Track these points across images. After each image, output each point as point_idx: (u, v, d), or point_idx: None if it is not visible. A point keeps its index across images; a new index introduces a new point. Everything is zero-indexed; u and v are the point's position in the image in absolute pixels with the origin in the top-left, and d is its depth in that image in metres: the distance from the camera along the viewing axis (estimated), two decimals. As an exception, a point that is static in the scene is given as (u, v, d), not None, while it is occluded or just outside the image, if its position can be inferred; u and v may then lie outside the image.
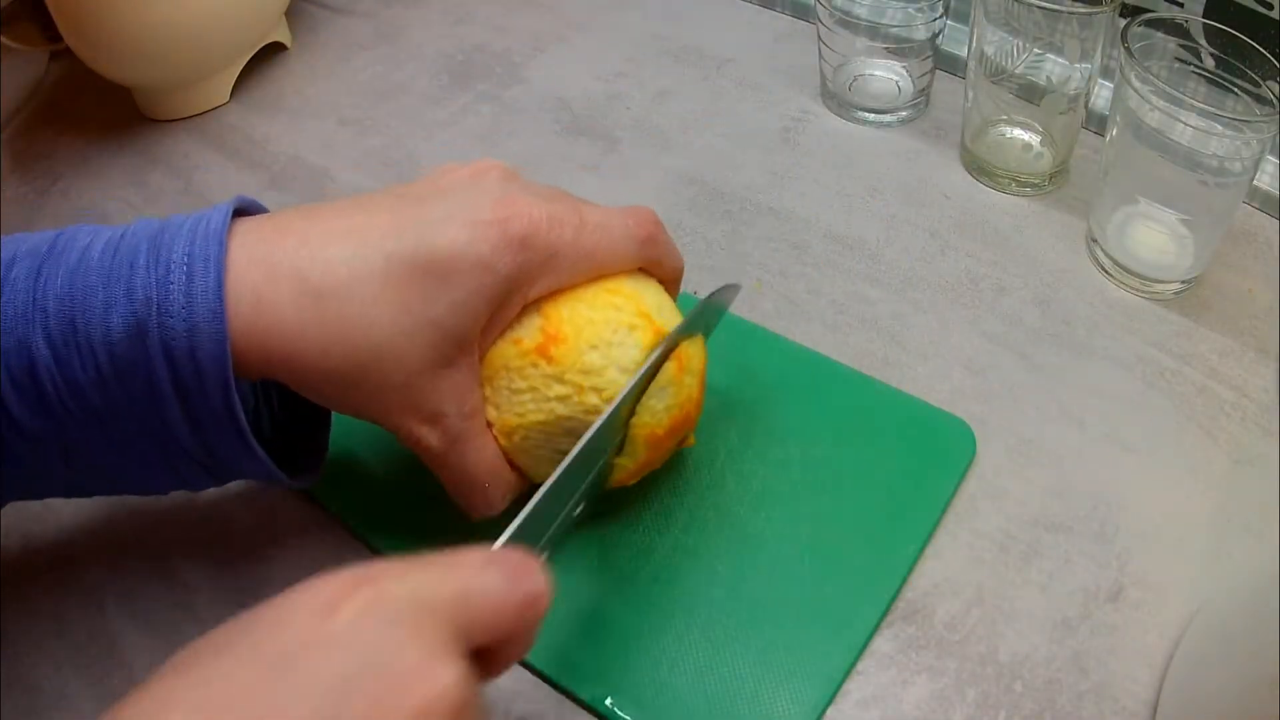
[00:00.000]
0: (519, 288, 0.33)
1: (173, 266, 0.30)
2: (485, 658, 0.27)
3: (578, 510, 0.35)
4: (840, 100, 0.61)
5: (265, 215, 0.33)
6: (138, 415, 0.31)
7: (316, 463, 0.39)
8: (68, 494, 0.36)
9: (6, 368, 0.30)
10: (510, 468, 0.37)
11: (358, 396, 0.32)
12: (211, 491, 0.44)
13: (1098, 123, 0.56)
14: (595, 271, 0.35)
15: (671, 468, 0.42)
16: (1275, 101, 0.43)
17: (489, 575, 0.26)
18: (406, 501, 0.42)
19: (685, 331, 0.37)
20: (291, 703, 0.21)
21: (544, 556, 0.31)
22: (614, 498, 0.41)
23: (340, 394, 0.33)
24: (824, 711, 0.36)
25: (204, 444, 0.32)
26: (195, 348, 0.30)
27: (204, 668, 0.22)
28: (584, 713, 0.37)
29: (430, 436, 0.33)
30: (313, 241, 0.31)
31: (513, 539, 0.29)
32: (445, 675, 0.23)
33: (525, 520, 0.30)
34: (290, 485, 0.36)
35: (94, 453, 0.33)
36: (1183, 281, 0.49)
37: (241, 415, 0.31)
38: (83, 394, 0.31)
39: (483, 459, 0.35)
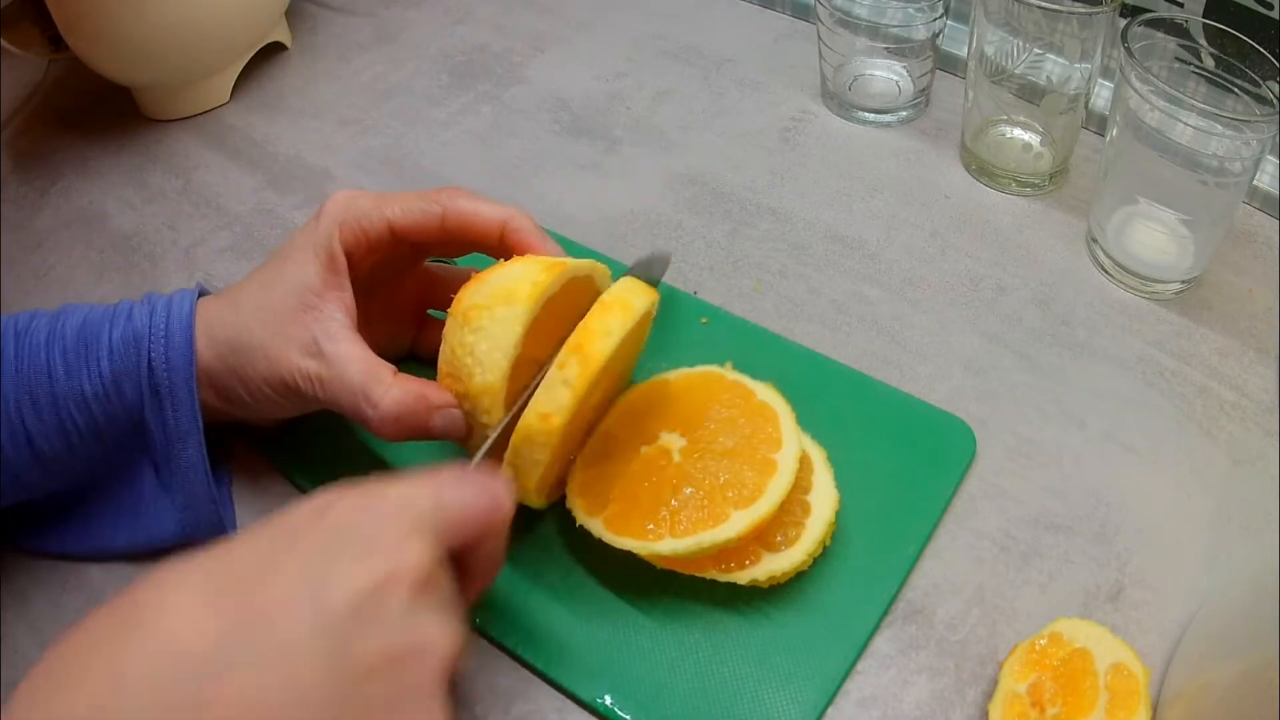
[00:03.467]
0: (334, 235, 0.40)
1: (158, 305, 0.40)
2: (462, 570, 0.32)
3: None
4: (840, 100, 0.61)
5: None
6: (127, 418, 0.40)
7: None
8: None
9: (29, 391, 0.38)
10: (386, 367, 0.39)
11: (260, 353, 0.39)
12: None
13: (1098, 123, 0.56)
14: (394, 220, 0.40)
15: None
16: (1275, 101, 0.43)
17: (461, 486, 0.31)
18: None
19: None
20: (287, 566, 0.27)
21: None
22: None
23: (247, 356, 0.39)
24: (824, 711, 0.36)
25: (167, 444, 0.40)
26: (169, 350, 0.39)
27: (216, 553, 0.27)
28: (584, 712, 0.37)
29: (302, 359, 0.38)
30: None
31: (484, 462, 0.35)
32: (415, 550, 0.28)
33: (493, 445, 0.36)
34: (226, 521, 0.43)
35: (79, 468, 0.41)
36: (1183, 281, 0.49)
37: (197, 406, 0.40)
38: (87, 406, 0.39)
39: (353, 361, 0.38)
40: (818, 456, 0.41)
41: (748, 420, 0.40)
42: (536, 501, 0.39)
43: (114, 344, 0.39)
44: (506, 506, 0.32)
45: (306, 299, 0.39)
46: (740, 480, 0.38)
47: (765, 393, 0.41)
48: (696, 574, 0.38)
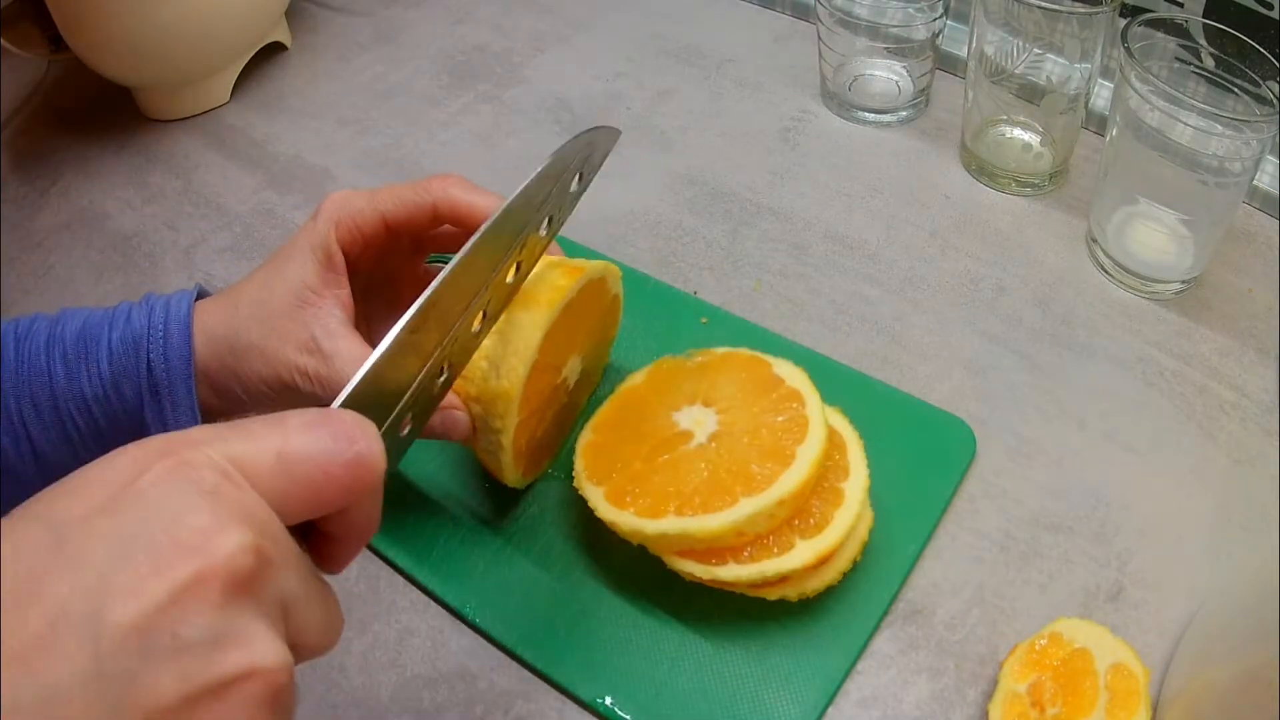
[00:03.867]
0: (330, 231, 0.39)
1: (156, 306, 0.40)
2: (327, 541, 0.26)
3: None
4: (840, 100, 0.61)
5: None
6: (127, 420, 0.39)
7: None
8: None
9: (30, 393, 0.38)
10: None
11: (259, 348, 0.38)
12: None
13: (1098, 123, 0.56)
14: (386, 210, 0.40)
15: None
16: (1275, 101, 0.43)
17: (313, 434, 0.24)
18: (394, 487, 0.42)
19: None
20: (57, 572, 0.20)
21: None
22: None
23: (246, 353, 0.39)
24: (824, 711, 0.36)
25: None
26: (168, 350, 0.39)
27: (4, 536, 0.21)
28: (584, 712, 0.37)
29: (301, 355, 0.38)
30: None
31: (353, 405, 0.26)
32: (228, 543, 0.21)
33: (365, 381, 0.27)
34: None
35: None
36: (1183, 281, 0.49)
37: (196, 406, 0.39)
38: (88, 407, 0.39)
39: (354, 358, 0.37)
40: (853, 443, 0.40)
41: (778, 410, 0.39)
42: (512, 477, 0.39)
43: (113, 346, 0.39)
44: (374, 457, 0.24)
45: (304, 297, 0.39)
46: (753, 472, 0.36)
47: (793, 377, 0.40)
48: (724, 585, 0.37)
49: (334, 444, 0.24)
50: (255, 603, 0.22)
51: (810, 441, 0.37)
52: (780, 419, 0.38)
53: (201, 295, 0.42)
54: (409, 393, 0.29)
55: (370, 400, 0.27)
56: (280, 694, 0.22)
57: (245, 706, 0.21)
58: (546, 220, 0.37)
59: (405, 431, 0.30)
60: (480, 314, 0.33)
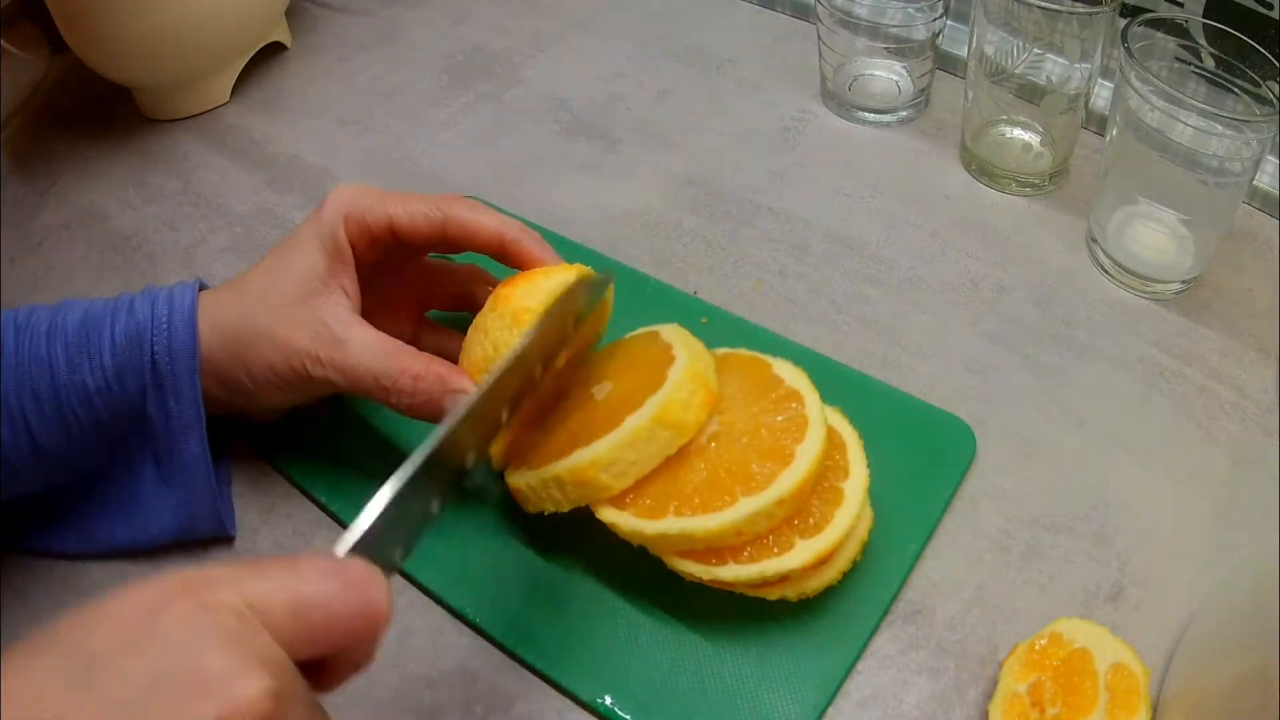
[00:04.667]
0: (338, 225, 0.40)
1: (159, 297, 0.40)
2: (323, 668, 0.26)
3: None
4: (840, 100, 0.61)
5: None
6: (129, 412, 0.40)
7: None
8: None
9: (31, 385, 0.38)
10: (403, 346, 0.39)
11: (267, 338, 0.39)
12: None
13: (1098, 123, 0.56)
14: (393, 217, 0.40)
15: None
16: (1275, 101, 0.43)
17: (326, 584, 0.25)
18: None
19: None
20: (93, 706, 0.21)
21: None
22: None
23: (254, 340, 0.39)
24: (824, 711, 0.36)
25: (169, 437, 0.40)
26: (172, 339, 0.39)
27: (19, 667, 0.22)
28: (584, 712, 0.37)
29: (313, 344, 0.38)
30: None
31: (361, 545, 0.27)
32: (250, 687, 0.22)
33: (373, 525, 0.28)
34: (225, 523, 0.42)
35: (79, 462, 0.41)
36: (1183, 281, 0.49)
37: (200, 398, 0.40)
38: (89, 399, 0.39)
39: (367, 343, 0.38)
40: (853, 443, 0.39)
41: (777, 410, 0.38)
42: (497, 460, 0.40)
43: (116, 338, 0.39)
44: (381, 608, 0.26)
45: (313, 285, 0.39)
46: (752, 471, 0.36)
47: (792, 377, 0.40)
48: (724, 585, 0.36)
49: (346, 593, 0.25)
50: None
51: (810, 441, 0.37)
52: (780, 419, 0.38)
53: (202, 288, 0.42)
54: (414, 524, 0.30)
55: (375, 536, 0.28)
56: None
57: None
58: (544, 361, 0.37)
59: (400, 554, 0.30)
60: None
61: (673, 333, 0.41)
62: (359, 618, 0.25)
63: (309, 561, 0.25)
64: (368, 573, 0.26)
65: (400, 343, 0.39)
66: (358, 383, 0.39)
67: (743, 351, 0.42)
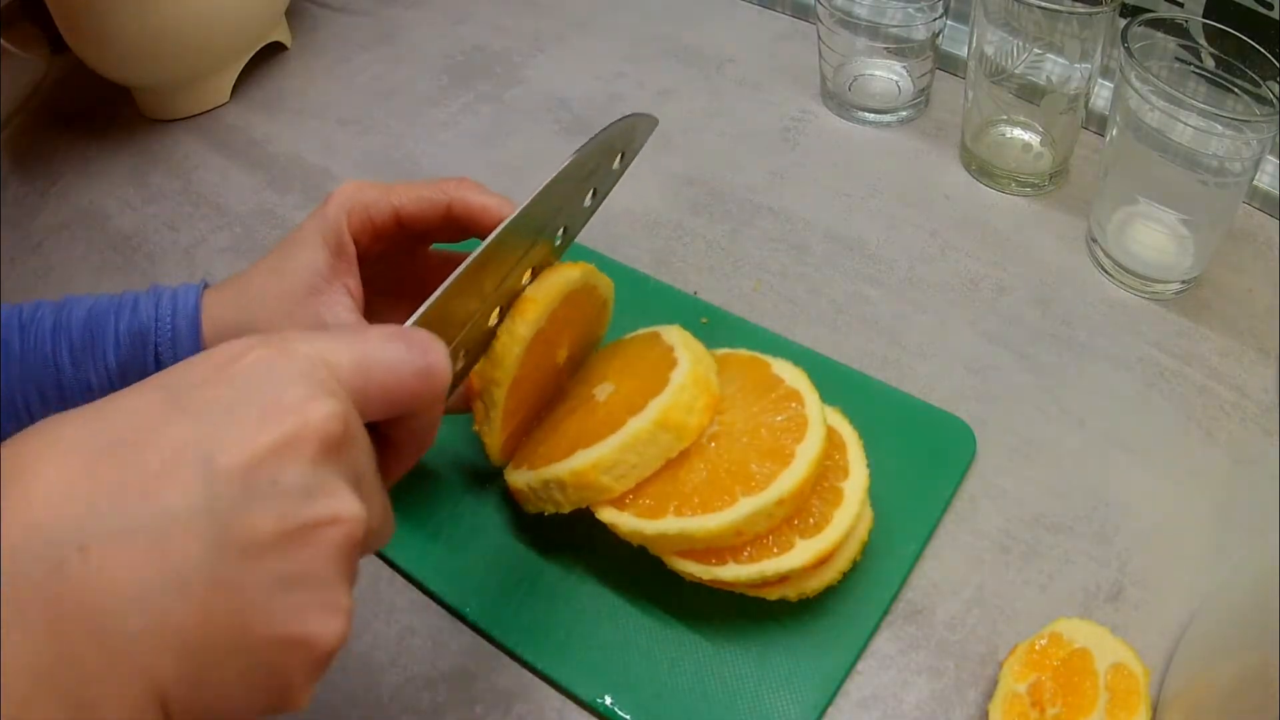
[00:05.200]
0: (341, 220, 0.39)
1: (163, 297, 0.40)
2: (389, 449, 0.29)
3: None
4: (840, 100, 0.61)
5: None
6: None
7: None
8: None
9: (36, 382, 0.38)
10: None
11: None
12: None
13: (1098, 123, 0.56)
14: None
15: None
16: (1275, 101, 0.43)
17: (392, 344, 0.27)
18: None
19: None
20: (175, 425, 0.23)
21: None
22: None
23: None
24: (824, 711, 0.36)
25: None
26: (176, 341, 0.39)
27: (100, 407, 0.24)
28: (584, 712, 0.37)
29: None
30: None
31: (423, 323, 0.30)
32: (322, 409, 0.24)
33: (433, 307, 0.31)
34: None
35: None
36: (1183, 281, 0.49)
37: None
38: (94, 398, 0.36)
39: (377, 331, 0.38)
40: (853, 443, 0.40)
41: (777, 409, 0.39)
42: (496, 455, 0.40)
43: (120, 336, 0.39)
44: (442, 370, 0.28)
45: (316, 284, 0.39)
46: (752, 471, 0.36)
47: (792, 377, 0.40)
48: (722, 579, 0.36)
49: (409, 354, 0.27)
50: (340, 465, 0.25)
51: (809, 441, 0.37)
52: (779, 419, 0.38)
53: (205, 287, 0.42)
54: (464, 328, 0.34)
55: (434, 326, 0.30)
56: (355, 544, 0.25)
57: (327, 549, 0.24)
58: (592, 192, 0.40)
59: (459, 366, 0.33)
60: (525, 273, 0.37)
61: (675, 334, 0.41)
62: (420, 377, 0.27)
63: (375, 328, 0.28)
64: (429, 338, 0.28)
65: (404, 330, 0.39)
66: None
67: (742, 351, 0.42)
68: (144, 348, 0.39)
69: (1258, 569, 0.35)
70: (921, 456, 0.43)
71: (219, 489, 0.23)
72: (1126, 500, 0.42)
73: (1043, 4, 0.47)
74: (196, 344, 0.39)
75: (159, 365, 0.39)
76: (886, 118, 0.60)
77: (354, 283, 0.40)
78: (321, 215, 0.40)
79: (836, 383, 0.45)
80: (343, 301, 0.39)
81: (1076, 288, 0.50)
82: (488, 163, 0.60)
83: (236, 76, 0.66)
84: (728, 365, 0.41)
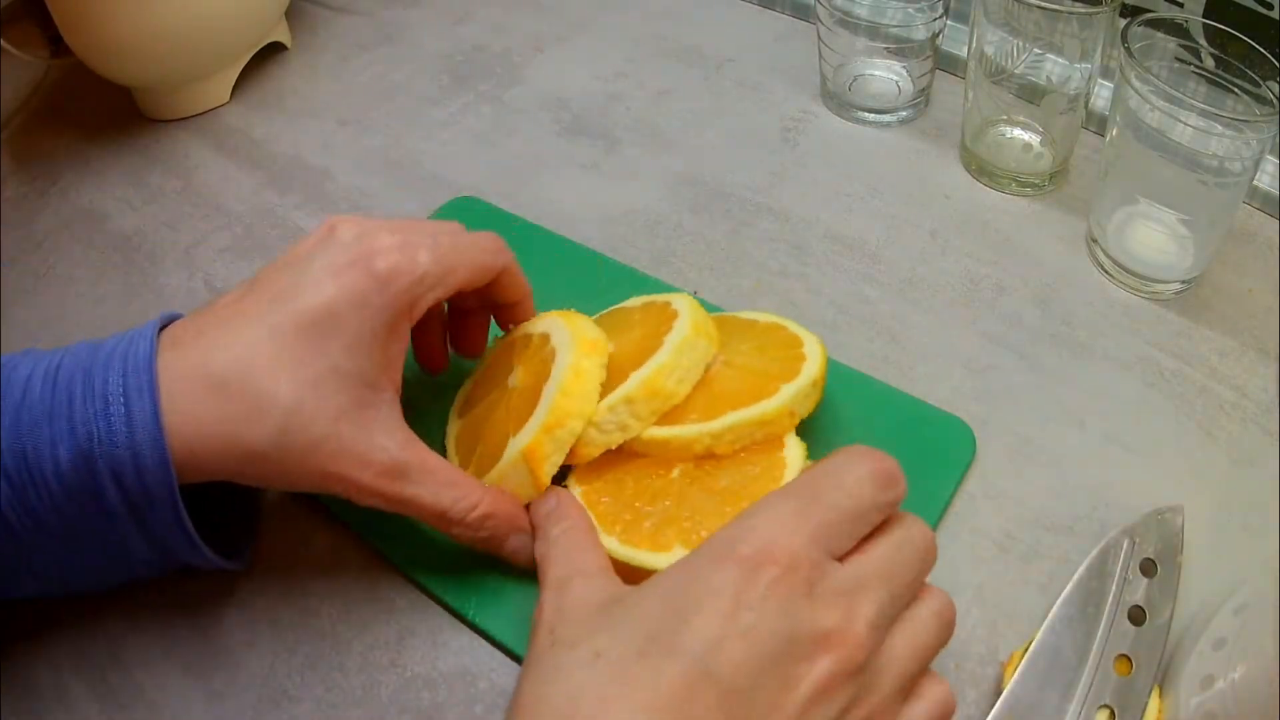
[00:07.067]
0: (399, 314, 0.36)
1: (110, 399, 0.32)
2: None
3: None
4: (840, 100, 0.61)
5: (180, 321, 0.35)
6: (96, 532, 0.34)
7: (248, 543, 0.41)
8: (26, 596, 0.37)
9: None
10: (470, 479, 0.37)
11: (295, 465, 0.34)
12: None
13: (1098, 123, 0.56)
14: (461, 283, 0.38)
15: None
16: (1275, 101, 0.43)
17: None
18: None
19: None
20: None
21: None
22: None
23: (279, 469, 0.34)
24: (824, 711, 0.36)
25: (156, 549, 0.35)
26: (141, 471, 0.32)
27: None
28: (584, 713, 0.37)
29: (366, 474, 0.35)
30: (209, 331, 0.34)
31: None
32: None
33: None
34: (227, 567, 0.38)
35: (56, 567, 0.35)
36: (1183, 281, 0.49)
37: (189, 524, 0.34)
38: (41, 522, 0.32)
39: (436, 479, 0.36)
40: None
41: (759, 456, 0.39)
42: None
43: (61, 464, 0.32)
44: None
45: (361, 395, 0.35)
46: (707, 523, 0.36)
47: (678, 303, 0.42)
48: None
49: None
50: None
51: (809, 345, 0.41)
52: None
53: (170, 320, 0.36)
54: None
55: None
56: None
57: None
58: None
59: None
60: None
61: (644, 299, 0.43)
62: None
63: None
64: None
65: (463, 472, 0.37)
66: (413, 513, 0.36)
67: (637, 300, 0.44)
68: (93, 476, 0.32)
69: (1258, 569, 0.35)
70: (921, 457, 0.42)
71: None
72: (1127, 500, 0.42)
73: (1043, 4, 0.47)
74: (167, 476, 0.32)
75: (121, 486, 0.32)
76: (886, 118, 0.60)
77: (398, 376, 0.37)
78: (362, 290, 0.35)
79: (836, 383, 0.45)
80: (394, 416, 0.36)
81: (1076, 288, 0.50)
82: (488, 163, 0.60)
83: (236, 76, 0.66)
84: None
